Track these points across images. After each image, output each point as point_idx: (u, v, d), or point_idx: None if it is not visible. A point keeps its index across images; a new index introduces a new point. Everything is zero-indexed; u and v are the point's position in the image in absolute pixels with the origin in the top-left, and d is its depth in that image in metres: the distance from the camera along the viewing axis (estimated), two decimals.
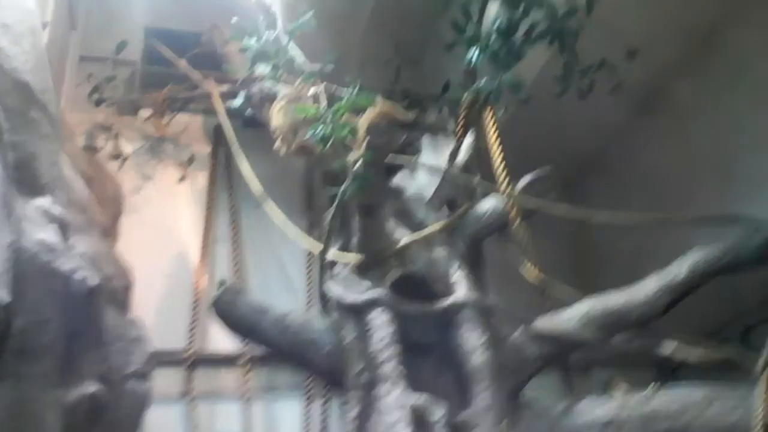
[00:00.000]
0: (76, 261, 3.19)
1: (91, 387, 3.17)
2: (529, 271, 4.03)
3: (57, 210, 3.20)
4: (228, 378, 4.91)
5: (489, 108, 4.25)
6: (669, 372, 5.44)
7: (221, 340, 4.69)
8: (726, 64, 4.79)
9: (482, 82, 3.93)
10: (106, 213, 4.78)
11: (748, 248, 3.46)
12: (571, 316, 3.68)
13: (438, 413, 3.26)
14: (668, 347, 3.57)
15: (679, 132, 5.19)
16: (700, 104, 5.02)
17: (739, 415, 3.23)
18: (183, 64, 5.58)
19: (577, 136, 5.67)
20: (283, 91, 4.58)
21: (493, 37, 3.88)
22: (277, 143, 4.41)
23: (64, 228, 3.21)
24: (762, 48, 4.52)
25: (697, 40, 4.89)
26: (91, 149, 5.26)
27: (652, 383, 4.54)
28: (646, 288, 3.60)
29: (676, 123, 5.22)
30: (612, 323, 3.62)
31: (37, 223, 3.05)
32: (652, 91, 5.24)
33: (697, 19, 4.75)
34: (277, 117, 4.42)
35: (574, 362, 4.05)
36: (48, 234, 3.05)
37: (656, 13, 4.64)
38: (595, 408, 3.49)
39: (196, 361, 4.84)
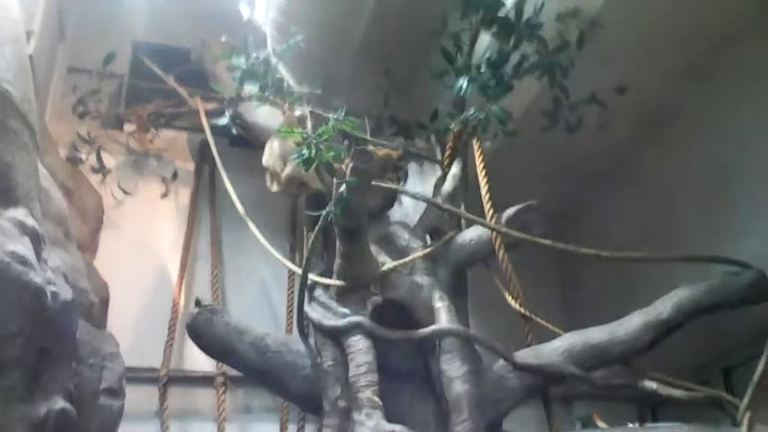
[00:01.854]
0: (49, 274, 3.11)
1: (59, 403, 3.08)
2: (512, 302, 4.00)
3: (31, 222, 3.11)
4: (203, 398, 4.84)
5: (476, 138, 4.25)
6: (650, 409, 5.42)
7: (198, 359, 4.61)
8: (715, 106, 4.81)
9: (470, 112, 3.93)
10: (86, 226, 4.71)
11: (733, 288, 3.48)
12: (553, 349, 3.66)
13: None
14: (651, 384, 3.55)
15: (666, 173, 5.21)
16: (688, 145, 5.04)
17: None
18: (170, 79, 5.53)
19: (565, 171, 5.67)
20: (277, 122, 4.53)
21: (483, 68, 3.88)
22: (268, 180, 4.36)
23: (37, 240, 3.13)
24: (750, 92, 4.55)
25: (687, 82, 4.91)
26: (73, 161, 5.20)
27: (634, 420, 4.53)
28: (630, 324, 3.59)
29: (663, 163, 5.24)
30: (594, 357, 3.61)
31: (10, 235, 2.95)
32: (641, 129, 5.26)
33: (688, 61, 4.77)
34: (267, 153, 4.37)
35: (554, 395, 4.00)
36: (20, 246, 2.96)
37: (648, 52, 4.66)
38: None
39: (171, 379, 4.75)
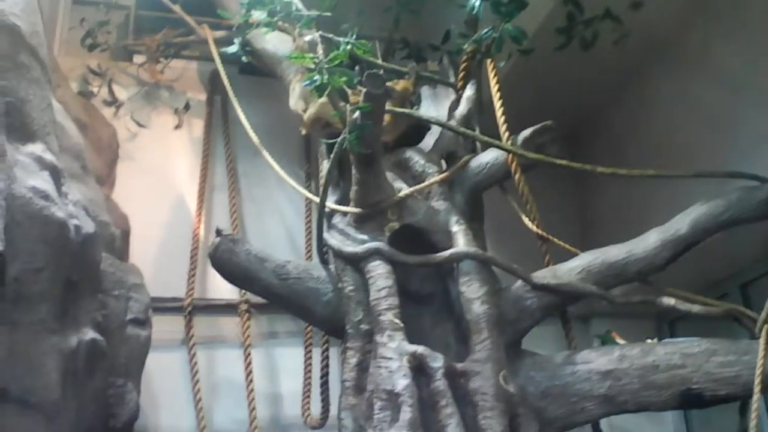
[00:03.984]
0: (71, 208, 3.15)
1: (89, 333, 3.17)
2: (529, 224, 4.01)
3: (49, 156, 3.13)
4: (228, 325, 4.93)
5: (490, 59, 4.18)
6: (668, 325, 5.49)
7: (220, 287, 4.68)
8: (732, 19, 4.71)
9: (483, 31, 3.86)
10: (102, 159, 4.74)
11: (750, 203, 3.45)
12: (571, 268, 3.67)
13: (438, 361, 3.25)
14: (669, 300, 3.58)
15: (681, 88, 5.14)
16: (703, 60, 4.96)
17: (739, 369, 3.21)
18: (177, 9, 5.46)
19: (579, 91, 5.61)
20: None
21: None
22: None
23: (57, 175, 3.15)
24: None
25: None
26: (85, 95, 5.19)
27: (652, 335, 4.59)
28: (647, 242, 3.58)
29: (678, 79, 5.17)
30: (612, 276, 3.60)
31: (30, 170, 2.98)
32: (655, 45, 5.17)
33: None
34: (291, 97, 4.32)
35: (572, 313, 4.04)
36: (41, 180, 2.99)
37: None
38: (595, 358, 3.47)
39: (196, 308, 4.84)
